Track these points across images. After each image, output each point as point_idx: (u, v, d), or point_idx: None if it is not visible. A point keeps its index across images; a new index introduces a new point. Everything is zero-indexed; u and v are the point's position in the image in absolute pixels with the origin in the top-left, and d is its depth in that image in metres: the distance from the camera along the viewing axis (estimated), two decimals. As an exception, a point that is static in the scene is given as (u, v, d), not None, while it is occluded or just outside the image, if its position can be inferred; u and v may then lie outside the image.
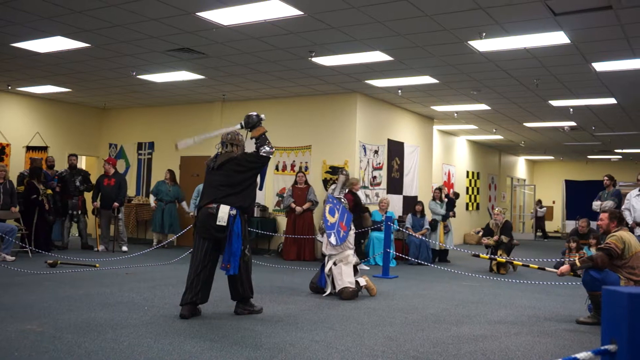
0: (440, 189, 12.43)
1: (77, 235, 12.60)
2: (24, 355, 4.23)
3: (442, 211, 12.04)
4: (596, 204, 10.75)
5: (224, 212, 5.65)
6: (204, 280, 5.75)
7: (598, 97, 11.45)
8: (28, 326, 5.11)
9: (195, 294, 5.71)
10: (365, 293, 7.37)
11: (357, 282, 7.20)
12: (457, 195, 14.60)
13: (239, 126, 5.99)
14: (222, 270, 5.71)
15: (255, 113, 5.98)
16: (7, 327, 5.05)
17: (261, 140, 5.88)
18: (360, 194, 11.11)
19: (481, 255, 8.45)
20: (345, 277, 7.10)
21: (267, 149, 5.84)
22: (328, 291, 7.22)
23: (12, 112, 13.07)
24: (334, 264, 7.21)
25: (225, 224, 5.64)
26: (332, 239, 7.23)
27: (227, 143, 6.00)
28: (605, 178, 10.97)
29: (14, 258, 9.55)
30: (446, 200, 12.29)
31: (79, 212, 11.83)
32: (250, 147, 6.03)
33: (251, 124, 5.93)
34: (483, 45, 8.12)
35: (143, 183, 14.47)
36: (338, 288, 7.10)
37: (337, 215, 7.38)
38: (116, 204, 11.50)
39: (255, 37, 8.11)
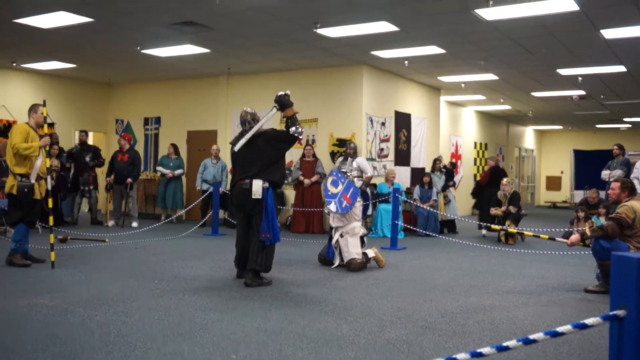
0: (438, 160, 12.44)
1: (87, 211, 12.68)
2: (36, 328, 4.28)
3: (441, 182, 12.06)
4: (605, 173, 10.70)
5: (257, 186, 5.94)
6: (243, 249, 6.21)
7: (607, 65, 11.31)
8: (40, 300, 5.17)
9: (240, 259, 6.26)
10: (374, 264, 7.40)
11: (365, 253, 7.23)
12: (452, 164, 14.64)
13: (274, 110, 6.13)
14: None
15: (283, 93, 6.10)
16: (19, 301, 5.12)
17: (292, 120, 6.05)
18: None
19: (492, 226, 8.44)
20: (351, 248, 7.13)
21: (299, 129, 6.03)
22: (336, 263, 7.25)
23: (18, 89, 13.06)
24: (341, 235, 7.24)
25: (260, 196, 5.92)
26: (332, 207, 7.29)
27: (249, 120, 6.22)
28: (615, 147, 10.89)
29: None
30: (444, 171, 12.30)
31: (91, 187, 11.89)
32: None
33: (286, 105, 6.09)
34: (490, 13, 8.00)
35: (150, 158, 14.49)
36: (345, 260, 7.13)
37: (340, 187, 7.40)
38: (129, 180, 11.53)
39: (257, 7, 8.01)
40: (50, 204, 6.89)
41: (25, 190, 6.74)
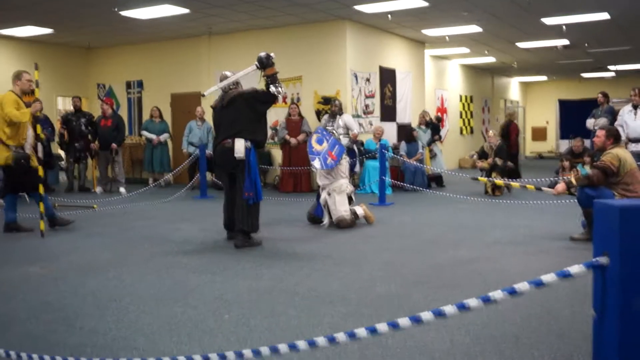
0: (422, 114, 12.44)
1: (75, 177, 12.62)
2: (28, 297, 4.30)
3: (426, 136, 12.07)
4: (590, 122, 10.73)
5: (240, 145, 5.93)
6: (229, 209, 6.25)
7: (591, 12, 11.21)
8: (31, 269, 5.17)
9: (226, 219, 6.30)
10: (364, 221, 7.44)
11: (354, 210, 7.26)
12: (438, 118, 14.73)
13: (254, 67, 6.08)
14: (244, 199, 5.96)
15: (265, 54, 6.05)
16: (10, 271, 5.12)
17: (272, 78, 6.03)
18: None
19: (480, 178, 8.48)
20: (339, 206, 7.15)
21: (279, 88, 6.03)
22: (325, 221, 7.29)
23: (-4, 56, 12.80)
24: (328, 194, 7.27)
25: (243, 156, 5.92)
26: (316, 163, 7.32)
27: (227, 84, 6.24)
28: (600, 95, 10.89)
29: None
30: (431, 125, 12.29)
31: (87, 153, 11.82)
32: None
33: (266, 65, 6.03)
34: (473, -37, 7.88)
35: (135, 122, 14.35)
36: (334, 217, 7.17)
37: (325, 144, 7.40)
38: (114, 145, 11.45)
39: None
40: (41, 172, 6.86)
41: (22, 160, 6.78)
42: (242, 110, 6.03)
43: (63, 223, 7.25)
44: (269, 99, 6.08)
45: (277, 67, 6.07)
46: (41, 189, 6.86)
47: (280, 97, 6.16)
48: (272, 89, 5.98)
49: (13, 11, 10.45)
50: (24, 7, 10.07)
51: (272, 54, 6.06)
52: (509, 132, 13.10)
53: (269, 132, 12.30)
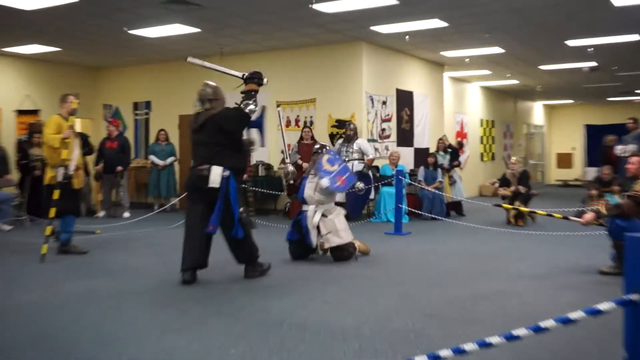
0: (441, 139, 12.39)
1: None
2: (24, 327, 4.28)
3: (445, 162, 11.97)
4: (619, 148, 10.66)
5: (216, 174, 5.60)
6: (200, 245, 5.77)
7: (618, 35, 11.21)
8: (29, 297, 5.17)
9: (194, 260, 5.75)
10: (363, 255, 7.34)
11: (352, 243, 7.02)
12: (460, 144, 14.69)
13: (240, 74, 6.01)
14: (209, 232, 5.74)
15: (259, 72, 6.01)
16: (7, 299, 5.12)
17: (248, 95, 5.83)
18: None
19: (503, 204, 8.38)
20: (342, 233, 6.82)
21: (252, 106, 5.76)
22: (314, 242, 6.80)
23: (0, 74, 13.00)
24: (323, 215, 6.85)
25: (217, 186, 5.59)
26: (325, 181, 6.85)
27: (206, 100, 5.95)
28: (629, 120, 10.84)
29: (10, 227, 9.62)
30: (450, 150, 12.22)
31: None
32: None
33: (250, 79, 5.93)
34: (495, -17, 7.93)
35: (141, 145, 14.46)
36: (333, 244, 6.78)
37: (336, 167, 7.25)
38: (119, 168, 11.52)
39: (251, -16, 7.95)
40: (56, 195, 6.89)
41: (65, 181, 6.98)
42: (214, 134, 5.70)
43: (77, 251, 7.32)
44: (240, 119, 5.77)
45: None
46: (52, 213, 6.88)
47: (254, 115, 5.88)
48: (244, 105, 5.72)
49: (19, 30, 10.63)
50: (31, 26, 10.24)
51: (265, 80, 5.97)
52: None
53: (280, 156, 12.34)
